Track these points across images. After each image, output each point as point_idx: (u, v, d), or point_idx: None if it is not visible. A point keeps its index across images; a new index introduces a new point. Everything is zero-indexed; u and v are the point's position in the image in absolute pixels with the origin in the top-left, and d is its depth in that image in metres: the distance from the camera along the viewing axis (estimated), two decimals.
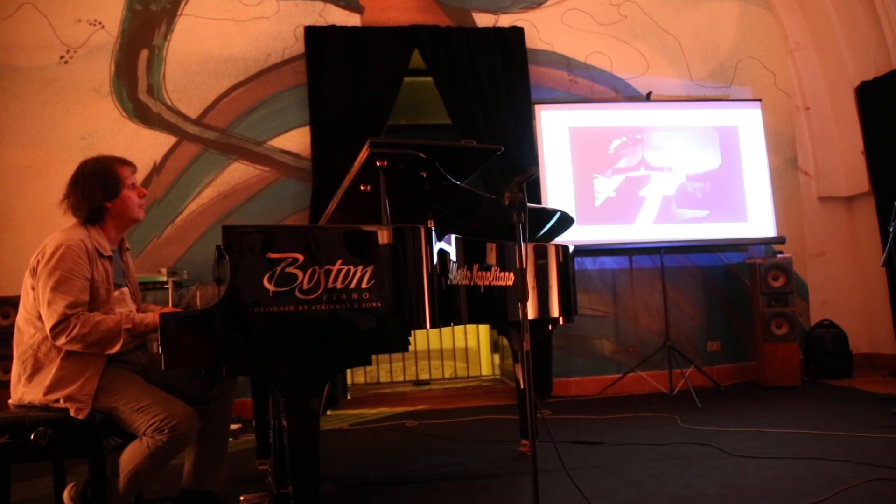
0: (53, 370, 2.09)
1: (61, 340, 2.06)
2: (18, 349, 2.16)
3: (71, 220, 2.29)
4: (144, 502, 2.49)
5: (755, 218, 5.07)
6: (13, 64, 4.66)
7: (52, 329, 2.06)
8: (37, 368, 2.12)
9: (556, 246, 3.09)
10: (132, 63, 4.79)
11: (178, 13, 4.87)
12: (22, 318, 2.19)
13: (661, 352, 4.86)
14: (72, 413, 2.07)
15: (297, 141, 4.92)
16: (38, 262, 2.14)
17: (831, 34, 5.52)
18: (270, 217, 4.81)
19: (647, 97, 5.28)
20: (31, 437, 2.00)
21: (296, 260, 1.88)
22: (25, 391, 2.12)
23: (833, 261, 5.60)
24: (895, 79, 5.05)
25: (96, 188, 2.23)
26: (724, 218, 5.05)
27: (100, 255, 2.22)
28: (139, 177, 3.42)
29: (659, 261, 4.98)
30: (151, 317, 2.10)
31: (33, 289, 2.14)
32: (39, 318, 2.13)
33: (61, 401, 2.07)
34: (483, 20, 5.18)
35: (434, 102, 5.15)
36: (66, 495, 2.19)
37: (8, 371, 3.02)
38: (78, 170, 2.28)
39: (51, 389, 2.08)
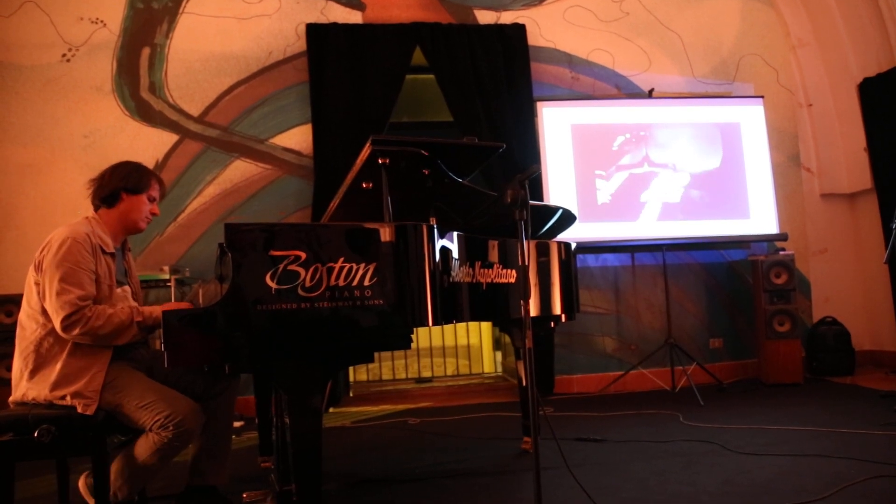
0: (58, 366, 2.10)
1: (75, 332, 2.07)
2: (21, 345, 2.17)
3: (75, 216, 2.30)
4: (148, 499, 2.50)
5: (757, 215, 5.06)
6: (15, 62, 4.66)
7: (64, 320, 2.06)
8: (39, 364, 2.13)
9: (559, 243, 3.09)
10: (134, 61, 4.79)
11: (180, 11, 4.87)
12: (25, 313, 2.19)
13: (664, 349, 4.86)
14: (79, 409, 2.07)
15: (298, 139, 4.92)
16: (43, 257, 2.15)
17: (834, 30, 5.51)
18: (272, 215, 4.81)
19: (650, 94, 5.27)
20: (35, 434, 2.01)
21: (298, 257, 1.88)
22: (29, 387, 2.12)
23: (835, 258, 5.59)
24: None
25: (123, 177, 2.33)
26: (726, 215, 5.04)
27: (103, 251, 2.24)
28: None
29: (661, 258, 4.98)
30: (159, 309, 2.13)
31: (37, 284, 2.15)
32: (42, 313, 2.14)
33: (68, 397, 2.08)
34: (485, 17, 5.18)
35: (436, 100, 5.14)
36: (81, 483, 2.22)
37: (11, 369, 3.02)
38: (120, 162, 2.40)
39: (56, 386, 2.09)
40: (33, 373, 2.12)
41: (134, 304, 2.37)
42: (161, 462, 2.14)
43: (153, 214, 2.42)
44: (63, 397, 2.08)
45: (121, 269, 2.37)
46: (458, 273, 2.25)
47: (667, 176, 5.03)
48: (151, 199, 2.39)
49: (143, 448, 2.12)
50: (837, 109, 5.61)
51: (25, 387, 2.13)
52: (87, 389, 2.10)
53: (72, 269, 2.11)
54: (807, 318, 5.35)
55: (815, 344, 5.15)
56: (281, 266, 1.87)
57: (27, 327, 2.17)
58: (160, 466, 2.16)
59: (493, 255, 2.54)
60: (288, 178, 4.90)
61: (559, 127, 4.97)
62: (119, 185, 2.31)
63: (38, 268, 2.16)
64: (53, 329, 2.13)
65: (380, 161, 2.17)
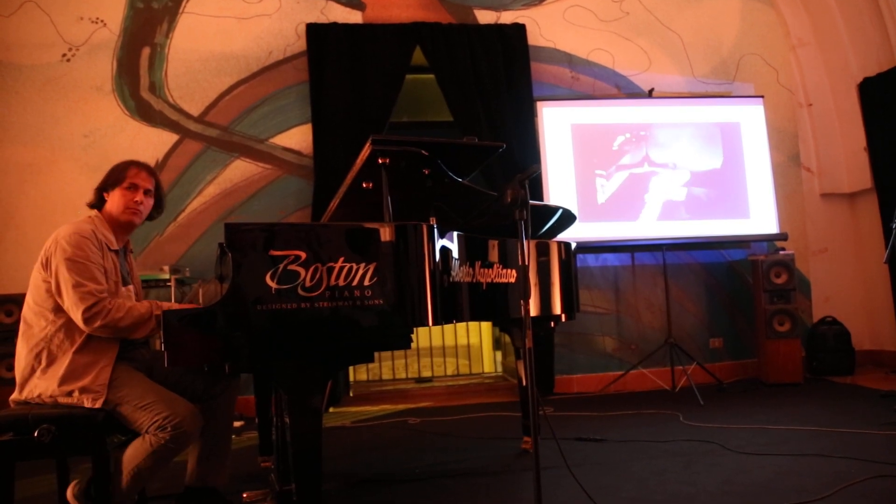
0: (66, 362, 2.11)
1: (96, 324, 2.08)
2: (29, 343, 2.16)
3: (75, 216, 2.31)
4: (147, 499, 2.50)
5: (757, 215, 5.06)
6: (15, 62, 4.66)
7: (85, 311, 2.07)
8: (51, 360, 2.13)
9: (559, 243, 3.09)
10: (134, 61, 4.79)
11: (180, 11, 4.87)
12: (31, 311, 2.19)
13: (664, 349, 4.86)
14: (87, 404, 2.08)
15: (298, 138, 4.92)
16: (51, 254, 2.16)
17: (834, 30, 5.51)
18: (272, 215, 4.81)
19: (650, 94, 5.27)
20: (35, 434, 2.01)
21: (298, 257, 1.88)
22: (38, 384, 2.12)
23: (835, 257, 5.59)
24: None
25: (103, 180, 2.36)
26: (726, 215, 5.05)
27: (108, 248, 2.25)
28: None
29: (661, 258, 4.98)
30: (178, 305, 2.13)
31: (46, 282, 2.15)
32: (52, 310, 2.14)
33: (76, 393, 2.08)
34: (485, 17, 5.18)
35: (436, 100, 5.14)
36: (69, 493, 2.20)
37: (11, 369, 3.01)
38: None
39: (64, 381, 2.09)
40: (46, 369, 2.13)
41: (151, 299, 2.39)
42: (155, 465, 2.12)
43: (134, 202, 2.32)
44: (70, 393, 2.09)
45: (124, 269, 2.38)
46: (458, 273, 2.25)
47: (667, 176, 5.02)
48: (132, 188, 2.32)
49: (138, 450, 2.11)
50: (837, 109, 5.61)
51: (35, 383, 2.12)
52: (95, 384, 2.10)
53: (83, 264, 2.13)
54: (807, 318, 5.35)
55: (815, 344, 5.14)
56: (281, 266, 1.87)
57: (35, 325, 2.17)
58: (154, 470, 2.13)
59: (493, 255, 2.54)
60: (288, 178, 4.90)
61: (559, 127, 4.97)
62: (99, 187, 2.36)
63: (46, 265, 2.16)
64: (63, 325, 2.13)
65: (380, 161, 2.17)
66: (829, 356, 5.10)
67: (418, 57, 4.93)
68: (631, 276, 5.23)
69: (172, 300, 4.11)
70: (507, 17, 5.18)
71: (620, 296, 5.20)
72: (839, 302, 5.48)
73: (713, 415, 3.84)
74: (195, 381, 2.38)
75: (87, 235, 2.18)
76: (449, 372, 6.25)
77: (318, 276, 1.89)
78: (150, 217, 2.46)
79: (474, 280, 2.38)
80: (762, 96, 5.24)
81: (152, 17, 4.84)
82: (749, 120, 5.15)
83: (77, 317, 2.09)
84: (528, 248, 2.04)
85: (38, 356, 2.14)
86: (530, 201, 2.07)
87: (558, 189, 4.91)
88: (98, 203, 2.35)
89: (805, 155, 5.60)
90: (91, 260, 2.15)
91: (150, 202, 2.40)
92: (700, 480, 2.61)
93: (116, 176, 2.34)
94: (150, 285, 4.26)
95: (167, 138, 4.78)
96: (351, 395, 5.25)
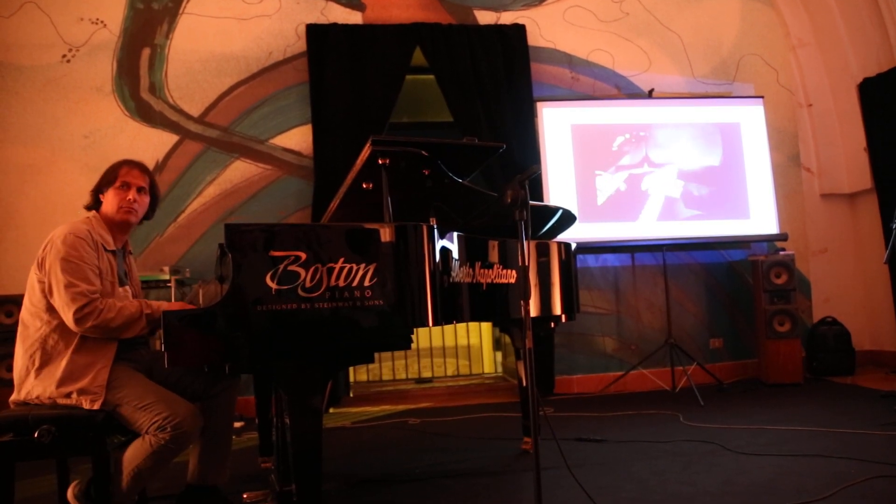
0: (63, 364, 2.10)
1: (87, 324, 2.08)
2: (25, 343, 2.17)
3: (74, 216, 2.32)
4: (148, 499, 2.50)
5: (757, 215, 5.06)
6: (15, 62, 4.67)
7: (76, 312, 2.06)
8: (45, 361, 2.13)
9: (559, 243, 3.09)
10: (134, 62, 4.79)
11: (180, 12, 4.87)
12: (28, 311, 2.19)
13: (664, 349, 4.86)
14: (85, 406, 2.08)
15: (298, 139, 4.93)
16: (46, 254, 2.16)
17: (834, 30, 5.51)
18: (272, 215, 4.81)
19: (650, 94, 5.27)
20: (35, 434, 2.01)
21: (298, 258, 1.88)
22: (34, 385, 2.12)
23: (835, 258, 5.60)
24: None
25: (99, 179, 2.37)
26: (726, 215, 5.05)
27: (104, 248, 2.26)
28: None
29: (661, 258, 4.98)
30: (167, 304, 2.14)
31: (41, 282, 2.15)
32: (47, 310, 2.14)
33: (74, 395, 2.08)
34: (485, 18, 5.18)
35: (436, 100, 5.15)
36: (69, 493, 2.20)
37: (11, 369, 3.02)
38: None
39: (62, 383, 2.09)
40: (39, 370, 2.12)
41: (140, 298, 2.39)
42: (156, 466, 2.12)
43: (126, 200, 2.31)
44: (69, 394, 2.09)
45: (122, 270, 2.38)
46: (459, 273, 2.25)
47: (667, 176, 5.03)
48: (125, 186, 2.33)
49: (139, 451, 2.11)
50: (837, 109, 5.61)
51: (31, 384, 2.12)
52: (93, 385, 2.10)
53: (76, 264, 2.12)
54: (807, 318, 5.35)
55: (816, 344, 5.14)
56: (281, 266, 1.87)
57: (31, 325, 2.17)
58: (154, 471, 2.13)
59: (494, 256, 2.54)
60: (288, 179, 4.90)
61: (559, 127, 4.97)
62: (95, 189, 2.37)
63: (41, 265, 2.17)
64: (58, 326, 2.13)
65: (380, 161, 2.18)
66: (829, 356, 5.10)
67: (418, 57, 4.93)
68: (631, 276, 5.23)
69: (172, 301, 4.11)
70: (507, 18, 5.19)
71: (620, 296, 5.20)
72: (839, 302, 5.48)
73: (713, 415, 3.84)
74: (195, 381, 2.38)
75: (83, 235, 2.18)
76: (449, 372, 6.25)
77: (318, 276, 1.90)
78: (147, 217, 2.46)
79: (474, 280, 2.38)
80: (762, 97, 5.24)
81: (152, 18, 4.84)
82: (749, 120, 5.15)
83: (68, 317, 2.08)
84: (528, 248, 2.04)
85: (31, 357, 2.14)
86: (530, 202, 2.07)
87: (558, 189, 4.91)
88: (95, 205, 2.36)
89: (805, 155, 5.60)
90: (85, 260, 2.15)
91: (145, 200, 2.40)
92: (700, 481, 2.61)
93: (109, 176, 2.35)
94: (149, 286, 4.26)
95: (167, 139, 4.78)
96: (351, 395, 5.25)
